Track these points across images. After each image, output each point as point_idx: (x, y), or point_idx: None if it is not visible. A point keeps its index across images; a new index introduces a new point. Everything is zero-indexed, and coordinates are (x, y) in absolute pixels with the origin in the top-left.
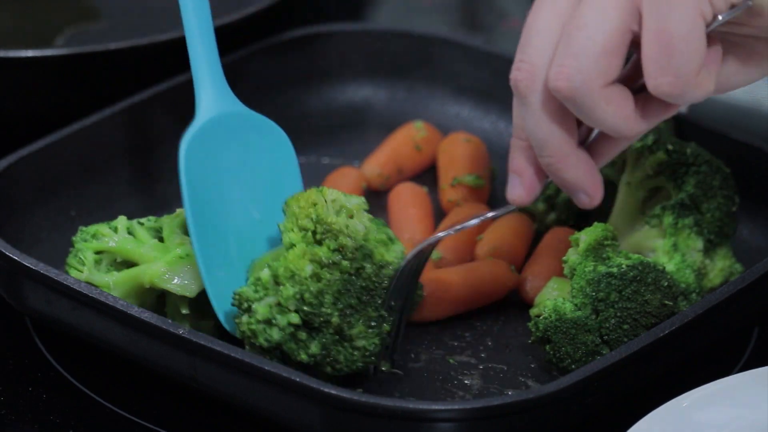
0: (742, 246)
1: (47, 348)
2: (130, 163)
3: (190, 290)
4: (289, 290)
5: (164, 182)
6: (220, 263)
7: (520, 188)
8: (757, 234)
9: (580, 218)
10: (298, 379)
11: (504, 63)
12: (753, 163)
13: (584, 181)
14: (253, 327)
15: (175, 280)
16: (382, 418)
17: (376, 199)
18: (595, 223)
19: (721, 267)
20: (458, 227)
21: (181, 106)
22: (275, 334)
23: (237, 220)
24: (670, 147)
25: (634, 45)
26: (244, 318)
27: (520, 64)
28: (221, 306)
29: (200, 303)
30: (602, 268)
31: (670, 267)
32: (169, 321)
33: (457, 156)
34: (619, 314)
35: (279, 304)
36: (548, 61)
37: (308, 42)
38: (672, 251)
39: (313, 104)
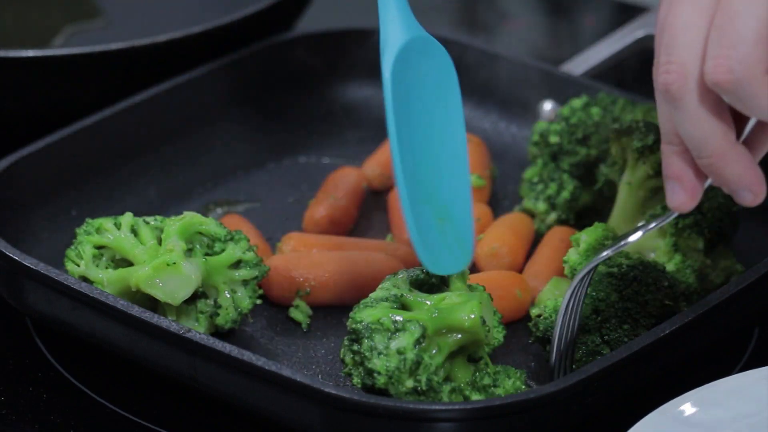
0: (743, 246)
1: (47, 348)
2: (130, 162)
3: (174, 298)
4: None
5: (165, 182)
6: (419, 195)
7: (682, 193)
8: (758, 234)
9: (580, 218)
10: (298, 379)
11: (504, 63)
12: None
13: (747, 177)
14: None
15: (161, 286)
16: (382, 418)
17: (377, 199)
18: (596, 224)
19: (721, 267)
20: (621, 243)
21: (182, 106)
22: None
23: (427, 148)
24: None
25: None
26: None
27: (668, 66)
28: (422, 242)
29: (189, 310)
30: (602, 268)
31: (670, 267)
32: (170, 321)
33: None
34: (619, 314)
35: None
36: (699, 58)
37: (309, 42)
38: (672, 251)
39: (313, 104)
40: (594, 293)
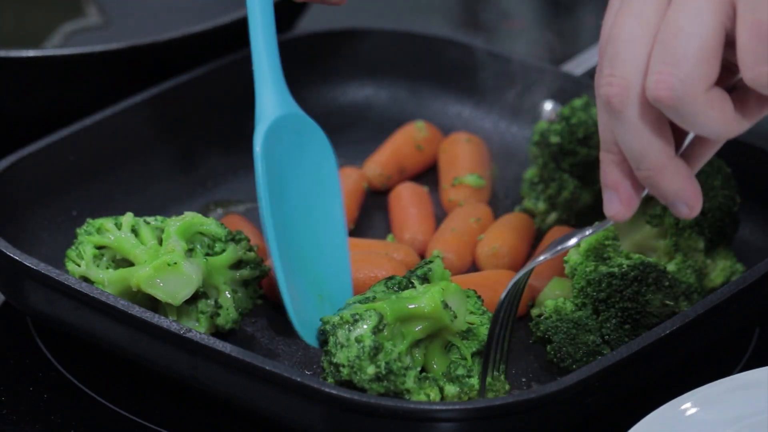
0: (743, 246)
1: (48, 348)
2: (131, 162)
3: (175, 298)
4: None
5: (165, 182)
6: (294, 268)
7: (618, 204)
8: (758, 234)
9: (580, 218)
10: (298, 379)
11: (505, 63)
12: (754, 163)
13: (684, 191)
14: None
15: (161, 286)
16: (383, 418)
17: (377, 199)
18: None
19: (722, 267)
20: (558, 249)
21: (182, 106)
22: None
23: (301, 222)
24: None
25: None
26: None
27: (611, 79)
28: (297, 314)
29: (189, 310)
30: (603, 268)
31: (671, 267)
32: (171, 321)
33: (458, 156)
34: (620, 314)
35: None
36: (641, 73)
37: (309, 42)
38: (673, 251)
39: (314, 104)
40: (594, 293)
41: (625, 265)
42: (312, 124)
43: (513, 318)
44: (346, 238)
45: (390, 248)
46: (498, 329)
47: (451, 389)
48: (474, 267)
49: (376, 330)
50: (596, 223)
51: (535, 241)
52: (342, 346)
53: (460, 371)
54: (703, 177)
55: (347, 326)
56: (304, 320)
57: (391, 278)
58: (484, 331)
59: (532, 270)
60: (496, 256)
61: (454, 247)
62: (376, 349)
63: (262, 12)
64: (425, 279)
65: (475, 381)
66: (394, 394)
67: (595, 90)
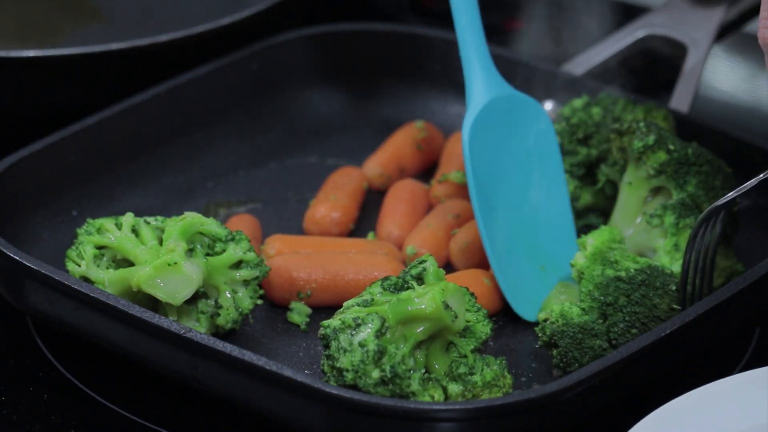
0: (743, 246)
1: (48, 348)
2: (131, 162)
3: (175, 298)
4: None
5: (166, 182)
6: (505, 247)
7: None
8: (758, 234)
9: (581, 218)
10: (299, 379)
11: (506, 63)
12: (754, 163)
13: None
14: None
15: (162, 286)
16: (383, 418)
17: (378, 199)
18: (602, 227)
19: (722, 267)
20: (745, 186)
21: (182, 107)
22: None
23: (520, 197)
24: (671, 147)
25: None
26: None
27: (765, 22)
28: (510, 290)
29: (190, 310)
30: (610, 272)
31: (673, 267)
32: (171, 321)
33: (454, 154)
34: (627, 318)
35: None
36: None
37: (308, 42)
38: (674, 251)
39: (314, 104)
40: (602, 297)
41: (632, 269)
42: (527, 99)
43: (713, 249)
44: (569, 207)
45: (372, 246)
46: (693, 255)
47: (454, 388)
48: (448, 266)
49: (379, 334)
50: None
51: None
52: (345, 351)
53: (462, 369)
54: (702, 177)
55: (349, 331)
56: (521, 295)
57: (386, 279)
58: (480, 328)
59: (734, 199)
60: (467, 251)
61: (428, 243)
62: (380, 353)
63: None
64: (420, 279)
65: (477, 378)
66: (399, 397)
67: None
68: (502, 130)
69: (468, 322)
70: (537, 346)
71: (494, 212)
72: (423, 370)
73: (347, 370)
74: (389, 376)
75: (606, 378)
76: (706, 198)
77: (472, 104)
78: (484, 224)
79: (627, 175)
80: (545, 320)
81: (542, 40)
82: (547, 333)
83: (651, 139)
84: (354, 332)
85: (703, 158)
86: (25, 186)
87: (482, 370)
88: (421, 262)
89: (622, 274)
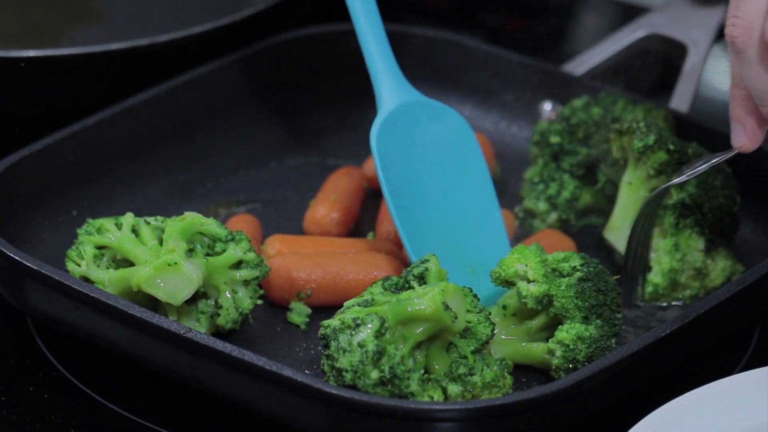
0: (743, 246)
1: (48, 348)
2: (131, 162)
3: (175, 298)
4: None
5: (166, 182)
6: (431, 249)
7: (743, 136)
8: (758, 234)
9: (581, 218)
10: (299, 379)
11: (505, 63)
12: (754, 163)
13: None
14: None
15: (162, 286)
16: (383, 418)
17: (377, 199)
18: (525, 249)
19: (722, 267)
20: (691, 173)
21: (182, 107)
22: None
23: (441, 199)
24: (671, 147)
25: None
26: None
27: (735, 20)
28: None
29: (190, 310)
30: (578, 274)
31: (673, 265)
32: (171, 321)
33: None
34: (608, 309)
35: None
36: (762, 15)
37: (308, 42)
38: (673, 251)
39: (314, 104)
40: (584, 303)
41: (578, 266)
42: (438, 106)
43: (650, 235)
44: (497, 207)
45: (372, 246)
46: (635, 245)
47: (454, 389)
48: None
49: (379, 334)
50: (721, 152)
51: (515, 236)
52: (344, 351)
53: (462, 370)
54: (703, 176)
55: (349, 331)
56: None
57: (387, 279)
58: (481, 329)
59: (667, 188)
60: None
61: None
62: (380, 354)
63: (362, 4)
64: (422, 278)
65: (477, 379)
66: (398, 398)
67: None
68: (414, 135)
69: (469, 322)
70: (555, 377)
71: (416, 215)
72: (422, 371)
73: (346, 371)
74: (388, 376)
75: (606, 378)
76: (706, 198)
77: (380, 110)
78: (403, 228)
79: (627, 175)
80: (552, 354)
81: (542, 40)
82: (565, 361)
83: (651, 139)
84: (353, 332)
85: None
86: (25, 186)
87: (482, 370)
88: (423, 262)
89: (579, 274)
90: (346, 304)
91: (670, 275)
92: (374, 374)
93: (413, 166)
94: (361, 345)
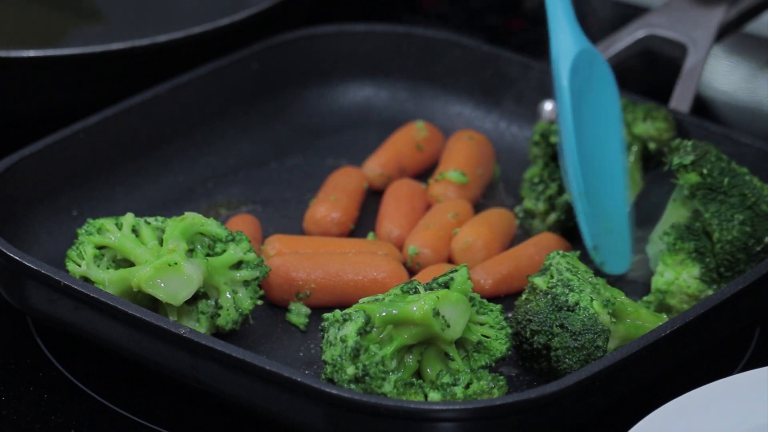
0: None
1: (48, 348)
2: (131, 162)
3: (176, 298)
4: None
5: (165, 182)
6: (594, 200)
7: None
8: None
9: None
10: (299, 379)
11: (505, 63)
12: (755, 164)
13: None
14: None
15: (162, 286)
16: (384, 418)
17: (378, 199)
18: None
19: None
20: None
21: (182, 106)
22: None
23: (594, 153)
24: (704, 170)
25: None
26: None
27: None
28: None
29: (190, 310)
30: (561, 290)
31: (659, 285)
32: (171, 321)
33: (452, 153)
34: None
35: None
36: None
37: (308, 42)
38: (664, 269)
39: (314, 104)
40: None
41: (551, 281)
42: (599, 56)
43: None
44: (625, 168)
45: (372, 246)
46: None
47: (434, 396)
48: (450, 261)
49: (363, 331)
50: None
51: (516, 236)
52: (330, 344)
53: (446, 379)
54: (726, 207)
55: (337, 325)
56: (596, 246)
57: (409, 283)
58: (497, 345)
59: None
60: (469, 250)
61: (429, 243)
62: (357, 350)
63: None
64: (446, 287)
65: (458, 390)
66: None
67: None
68: (583, 82)
69: (486, 337)
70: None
71: (581, 165)
72: (405, 374)
73: (328, 363)
74: (361, 374)
75: (606, 378)
76: (717, 228)
77: (564, 53)
78: (581, 175)
79: (674, 192)
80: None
81: (542, 40)
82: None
83: (689, 159)
84: (341, 327)
85: (737, 191)
86: (25, 186)
87: (468, 383)
88: (452, 272)
89: (558, 289)
90: (360, 300)
91: (657, 295)
92: (350, 370)
93: (581, 111)
94: (342, 339)
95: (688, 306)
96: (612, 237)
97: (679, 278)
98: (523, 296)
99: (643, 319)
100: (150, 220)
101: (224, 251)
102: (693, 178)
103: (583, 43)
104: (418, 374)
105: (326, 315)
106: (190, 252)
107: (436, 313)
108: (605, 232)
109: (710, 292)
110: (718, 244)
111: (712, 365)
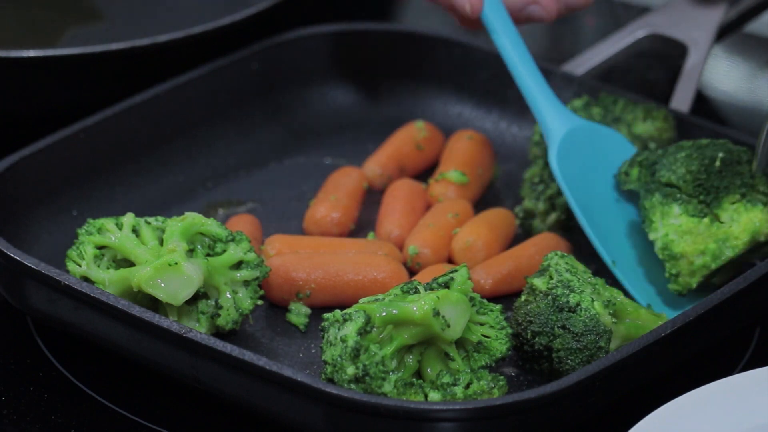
0: None
1: (48, 348)
2: (131, 162)
3: (176, 298)
4: None
5: (166, 182)
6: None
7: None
8: None
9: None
10: (299, 379)
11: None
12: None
13: None
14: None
15: (162, 286)
16: (384, 418)
17: (378, 199)
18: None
19: (746, 220)
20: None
21: (182, 106)
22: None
23: (607, 216)
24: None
25: None
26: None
27: None
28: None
29: (190, 310)
30: (561, 292)
31: (660, 234)
32: (171, 321)
33: (452, 153)
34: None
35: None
36: None
37: (308, 42)
38: (654, 230)
39: (314, 104)
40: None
41: (551, 282)
42: (600, 128)
43: None
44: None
45: (372, 246)
46: None
47: (434, 396)
48: (450, 261)
49: (363, 331)
50: None
51: (516, 236)
52: (330, 344)
53: (446, 379)
54: (673, 149)
55: (337, 325)
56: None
57: (409, 283)
58: (497, 345)
59: None
60: (470, 250)
61: (429, 243)
62: (357, 350)
63: (506, 33)
64: (446, 287)
65: (459, 390)
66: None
67: None
68: (585, 155)
69: (486, 337)
70: None
71: (595, 219)
72: (406, 374)
73: (328, 363)
74: (361, 374)
75: (606, 378)
76: (667, 173)
77: (551, 138)
78: (592, 231)
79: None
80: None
81: (542, 40)
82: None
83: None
84: (341, 327)
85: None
86: (25, 186)
87: (468, 383)
88: (453, 272)
89: (558, 290)
90: (360, 300)
91: (665, 253)
92: (350, 370)
93: (587, 180)
94: (342, 339)
95: (695, 243)
96: (652, 275)
97: (668, 224)
98: (522, 297)
99: (643, 319)
100: (150, 220)
101: (224, 251)
102: (634, 173)
103: (568, 123)
104: (418, 374)
105: (326, 315)
106: (190, 252)
107: (436, 313)
108: (646, 277)
109: (706, 221)
110: (677, 182)
111: (712, 365)
